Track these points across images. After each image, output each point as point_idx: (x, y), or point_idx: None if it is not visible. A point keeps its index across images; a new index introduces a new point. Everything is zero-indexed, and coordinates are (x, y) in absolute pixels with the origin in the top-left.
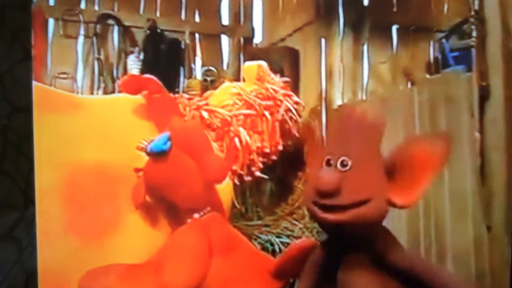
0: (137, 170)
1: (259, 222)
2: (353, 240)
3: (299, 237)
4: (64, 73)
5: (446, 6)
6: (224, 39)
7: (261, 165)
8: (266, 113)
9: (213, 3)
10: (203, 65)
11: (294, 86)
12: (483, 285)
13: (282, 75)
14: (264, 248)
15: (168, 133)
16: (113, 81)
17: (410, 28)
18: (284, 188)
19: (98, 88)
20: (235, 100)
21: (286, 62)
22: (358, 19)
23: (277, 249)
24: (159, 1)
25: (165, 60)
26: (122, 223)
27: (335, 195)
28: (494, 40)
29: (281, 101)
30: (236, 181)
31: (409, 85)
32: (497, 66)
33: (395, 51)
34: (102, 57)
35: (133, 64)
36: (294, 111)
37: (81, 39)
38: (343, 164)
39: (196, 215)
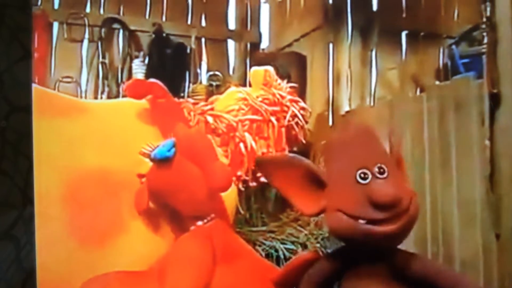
0: (140, 176)
1: (264, 228)
2: (382, 250)
3: (304, 244)
4: (68, 77)
5: (456, 12)
6: (231, 44)
7: None
8: (273, 118)
9: (219, 8)
10: (208, 70)
11: (301, 91)
12: None
13: (289, 81)
14: (268, 255)
15: (173, 139)
16: (118, 86)
17: (420, 34)
18: None
19: (102, 92)
20: (241, 105)
21: (293, 67)
22: (366, 24)
23: (282, 256)
24: (165, 5)
25: (170, 65)
26: (124, 228)
27: (396, 206)
28: (505, 47)
29: (287, 106)
30: (240, 186)
31: (418, 91)
32: (508, 73)
33: (404, 57)
34: (106, 61)
35: (138, 69)
36: (300, 117)
37: (85, 43)
38: (381, 172)
39: (199, 223)
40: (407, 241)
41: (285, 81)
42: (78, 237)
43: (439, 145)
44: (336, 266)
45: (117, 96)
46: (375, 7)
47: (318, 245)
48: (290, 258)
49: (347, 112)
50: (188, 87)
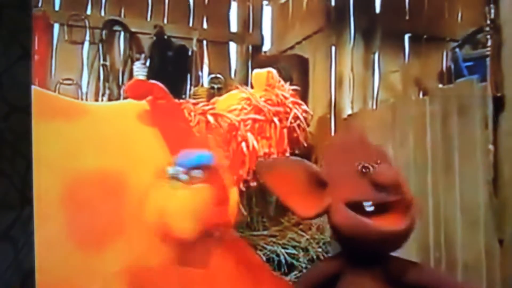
0: None
1: (265, 232)
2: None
3: (306, 248)
4: (68, 79)
5: (459, 15)
6: (232, 47)
7: None
8: (275, 119)
9: (221, 10)
10: (210, 73)
11: (303, 94)
12: None
13: (291, 84)
14: (269, 259)
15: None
16: (119, 88)
17: (423, 37)
18: None
19: (103, 94)
20: (244, 105)
21: (295, 70)
22: (369, 27)
23: (283, 260)
24: (166, 7)
25: (171, 67)
26: (122, 230)
27: (397, 190)
28: (510, 50)
29: (290, 108)
30: (242, 187)
31: (421, 95)
32: None
33: (407, 60)
34: (107, 63)
35: (139, 71)
36: (302, 119)
37: (86, 45)
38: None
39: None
40: (409, 246)
41: (288, 83)
42: (77, 239)
43: (442, 148)
44: (333, 270)
45: (118, 99)
46: (377, 10)
47: (319, 249)
48: (291, 263)
49: (349, 115)
50: (190, 89)
